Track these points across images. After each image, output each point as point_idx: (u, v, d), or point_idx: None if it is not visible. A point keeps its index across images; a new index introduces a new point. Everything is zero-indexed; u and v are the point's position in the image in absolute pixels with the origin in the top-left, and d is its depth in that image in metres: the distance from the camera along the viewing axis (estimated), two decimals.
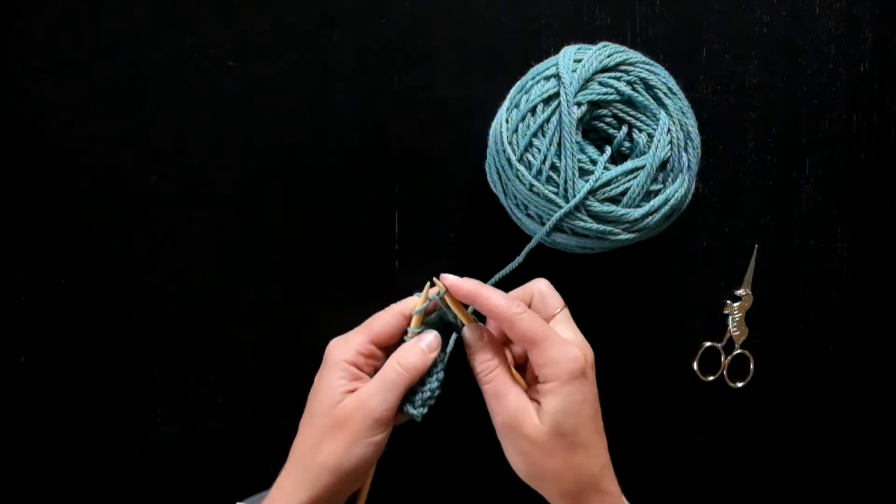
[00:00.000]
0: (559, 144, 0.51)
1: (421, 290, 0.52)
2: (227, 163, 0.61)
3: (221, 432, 0.62)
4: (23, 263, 0.61)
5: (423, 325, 0.52)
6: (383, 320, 0.52)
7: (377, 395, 0.48)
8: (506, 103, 0.54)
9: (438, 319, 0.52)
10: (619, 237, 0.52)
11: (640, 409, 0.63)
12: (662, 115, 0.52)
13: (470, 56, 0.61)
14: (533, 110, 0.52)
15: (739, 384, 0.65)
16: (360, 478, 0.49)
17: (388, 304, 0.54)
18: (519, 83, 0.55)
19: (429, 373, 0.50)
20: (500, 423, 0.48)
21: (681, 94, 0.53)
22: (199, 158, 0.61)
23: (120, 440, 0.62)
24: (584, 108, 0.52)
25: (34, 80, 0.60)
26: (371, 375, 0.50)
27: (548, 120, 0.51)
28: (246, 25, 0.60)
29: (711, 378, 0.65)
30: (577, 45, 0.54)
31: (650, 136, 0.52)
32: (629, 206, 0.52)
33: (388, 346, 0.52)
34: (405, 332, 0.52)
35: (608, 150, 0.53)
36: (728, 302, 0.64)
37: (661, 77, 0.53)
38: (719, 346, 0.64)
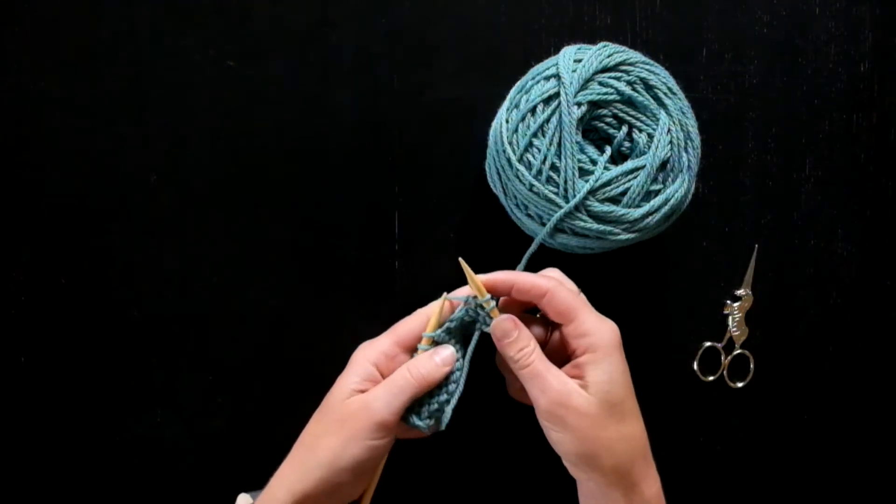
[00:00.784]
0: (559, 144, 0.51)
1: (438, 292, 0.52)
2: (227, 163, 0.61)
3: (221, 432, 0.62)
4: (23, 263, 0.61)
5: (445, 332, 0.51)
6: (409, 324, 0.52)
7: (382, 398, 0.48)
8: (506, 103, 0.54)
9: (460, 326, 0.51)
10: (619, 237, 0.52)
11: (641, 409, 0.63)
12: (662, 115, 0.52)
13: (470, 56, 0.61)
14: (533, 110, 0.52)
15: (739, 384, 0.65)
16: (356, 479, 0.48)
17: (388, 305, 0.55)
18: (519, 83, 0.55)
19: (439, 385, 0.50)
20: (546, 402, 0.47)
21: (681, 94, 0.53)
22: (199, 158, 0.61)
23: (120, 440, 0.62)
24: (584, 108, 0.52)
25: (34, 80, 0.60)
26: None
27: (548, 120, 0.51)
28: (246, 25, 0.60)
29: (711, 378, 0.65)
30: (577, 45, 0.54)
31: (650, 136, 0.52)
32: (629, 206, 0.52)
33: (414, 352, 0.52)
34: (420, 340, 0.51)
35: (608, 150, 0.53)
36: (728, 302, 0.64)
37: (661, 77, 0.53)
38: (719, 346, 0.64)
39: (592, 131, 0.54)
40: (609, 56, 0.52)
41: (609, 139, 0.54)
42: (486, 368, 0.55)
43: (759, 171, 0.64)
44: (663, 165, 0.52)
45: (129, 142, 0.60)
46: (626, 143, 0.53)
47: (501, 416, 0.62)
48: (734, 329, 0.64)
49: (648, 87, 0.53)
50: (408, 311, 0.53)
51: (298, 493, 0.47)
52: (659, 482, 0.49)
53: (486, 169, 0.57)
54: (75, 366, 0.61)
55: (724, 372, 0.65)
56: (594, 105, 0.52)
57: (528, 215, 0.54)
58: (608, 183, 0.52)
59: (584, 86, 0.52)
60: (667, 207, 0.52)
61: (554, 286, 0.49)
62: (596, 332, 0.47)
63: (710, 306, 0.64)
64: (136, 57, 0.60)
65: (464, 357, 0.52)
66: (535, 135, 0.52)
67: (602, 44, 0.54)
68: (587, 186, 0.51)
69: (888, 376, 0.66)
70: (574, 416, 0.46)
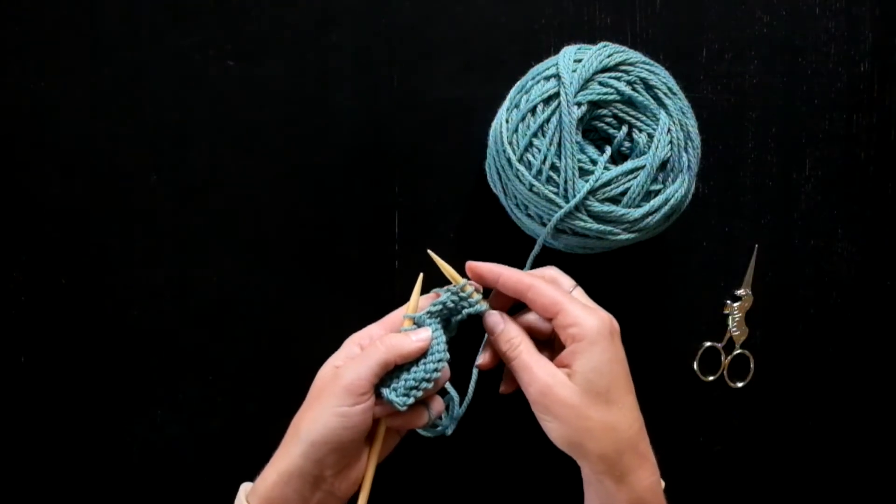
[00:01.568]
0: (559, 144, 0.51)
1: (429, 287, 0.53)
2: (227, 163, 0.61)
3: (221, 432, 0.62)
4: (23, 263, 0.61)
5: (426, 314, 0.52)
6: (398, 312, 0.54)
7: (351, 365, 0.48)
8: (506, 103, 0.54)
9: (443, 311, 0.52)
10: (619, 237, 0.52)
11: (641, 409, 0.63)
12: (662, 115, 0.52)
13: (470, 56, 0.61)
14: (533, 110, 0.52)
15: (739, 384, 0.65)
16: (338, 457, 0.48)
17: (388, 304, 0.55)
18: (519, 83, 0.55)
19: (415, 362, 0.50)
20: (533, 392, 0.48)
21: (681, 94, 0.53)
22: (199, 158, 0.61)
23: (120, 440, 0.62)
24: (584, 108, 0.52)
25: (34, 80, 0.60)
26: None
27: (548, 120, 0.51)
28: (246, 25, 0.60)
29: (711, 378, 0.65)
30: (577, 45, 0.54)
31: (650, 136, 0.52)
32: (629, 206, 0.52)
33: None
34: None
35: (608, 150, 0.53)
36: (728, 302, 0.64)
37: (661, 77, 0.53)
38: (719, 346, 0.64)
39: (592, 131, 0.54)
40: (609, 56, 0.52)
41: (609, 139, 0.54)
42: (490, 373, 0.55)
43: (759, 171, 0.64)
44: (663, 165, 0.52)
45: (129, 142, 0.60)
46: (626, 143, 0.53)
47: (502, 416, 0.62)
48: (734, 329, 0.64)
49: (648, 87, 0.53)
50: None
51: (284, 472, 0.47)
52: (655, 476, 0.49)
53: (486, 169, 0.57)
54: (75, 366, 0.61)
55: (724, 372, 0.65)
56: (594, 105, 0.52)
57: (529, 215, 0.54)
58: (608, 183, 0.52)
59: (584, 86, 0.52)
60: (667, 207, 0.52)
61: (536, 283, 0.50)
62: (581, 322, 0.48)
63: (710, 306, 0.64)
64: (136, 57, 0.60)
65: (445, 334, 0.52)
66: (535, 135, 0.52)
67: (602, 44, 0.54)
68: (587, 186, 0.51)
69: (888, 376, 0.66)
70: (558, 405, 0.47)
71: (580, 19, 0.62)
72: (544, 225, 0.53)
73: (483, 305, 0.53)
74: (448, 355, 0.52)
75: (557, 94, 0.52)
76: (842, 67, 0.64)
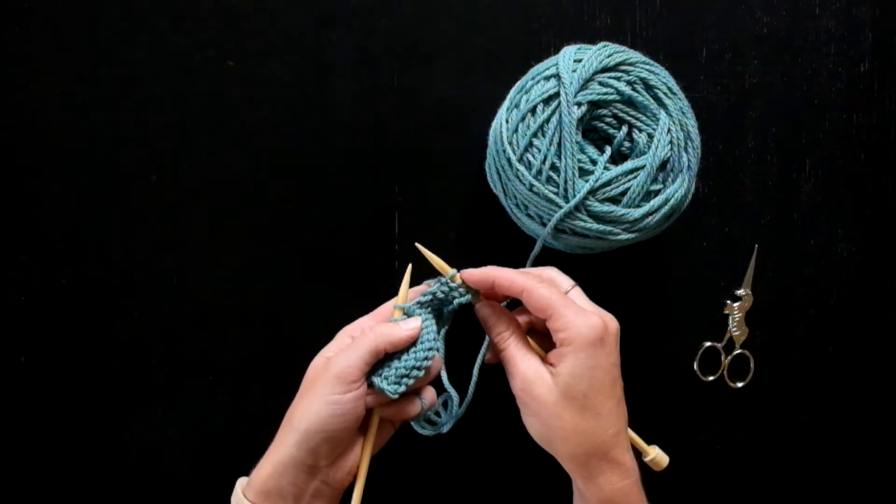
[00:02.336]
0: (559, 144, 0.51)
1: (421, 279, 0.53)
2: (227, 163, 0.61)
3: (221, 432, 0.62)
4: (23, 263, 0.61)
5: (416, 304, 0.52)
6: (389, 304, 0.54)
7: (342, 353, 0.49)
8: (506, 103, 0.54)
9: (433, 302, 0.53)
10: (619, 237, 0.52)
11: (640, 409, 0.63)
12: (662, 115, 0.52)
13: (470, 56, 0.61)
14: (533, 110, 0.52)
15: (739, 384, 0.65)
16: (330, 447, 0.48)
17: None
18: (519, 83, 0.55)
19: (405, 350, 0.50)
20: (515, 386, 0.50)
21: (681, 94, 0.53)
22: (199, 158, 0.61)
23: (120, 440, 0.62)
24: (584, 108, 0.52)
25: (34, 80, 0.60)
26: None
27: (548, 120, 0.51)
28: (246, 25, 0.60)
29: (711, 378, 0.65)
30: (577, 45, 0.54)
31: (650, 136, 0.52)
32: (629, 206, 0.52)
33: None
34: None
35: (608, 150, 0.53)
36: (728, 302, 0.64)
37: (661, 77, 0.53)
38: (719, 346, 0.64)
39: (592, 131, 0.54)
40: (609, 56, 0.52)
41: (609, 139, 0.54)
42: (489, 370, 0.55)
43: (759, 171, 0.64)
44: (663, 165, 0.52)
45: (129, 142, 0.60)
46: (626, 143, 0.53)
47: (500, 415, 0.62)
48: (734, 329, 0.64)
49: (648, 87, 0.53)
50: None
51: (278, 463, 0.48)
52: (629, 480, 0.49)
53: (486, 169, 0.57)
54: (75, 366, 0.61)
55: (724, 372, 0.65)
56: (594, 105, 0.52)
57: (529, 215, 0.54)
58: (608, 183, 0.52)
59: (584, 86, 0.52)
60: (667, 207, 0.52)
61: (531, 284, 0.50)
62: (571, 327, 0.48)
63: (710, 306, 0.64)
64: (136, 57, 0.60)
65: (438, 325, 0.53)
66: (535, 135, 0.52)
67: (602, 44, 0.54)
68: (587, 186, 0.51)
69: (888, 376, 0.66)
70: (535, 402, 0.48)
71: (580, 19, 0.62)
72: (544, 225, 0.53)
73: (473, 295, 0.53)
74: (440, 345, 0.52)
75: (557, 94, 0.52)
76: (842, 67, 0.64)
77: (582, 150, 0.52)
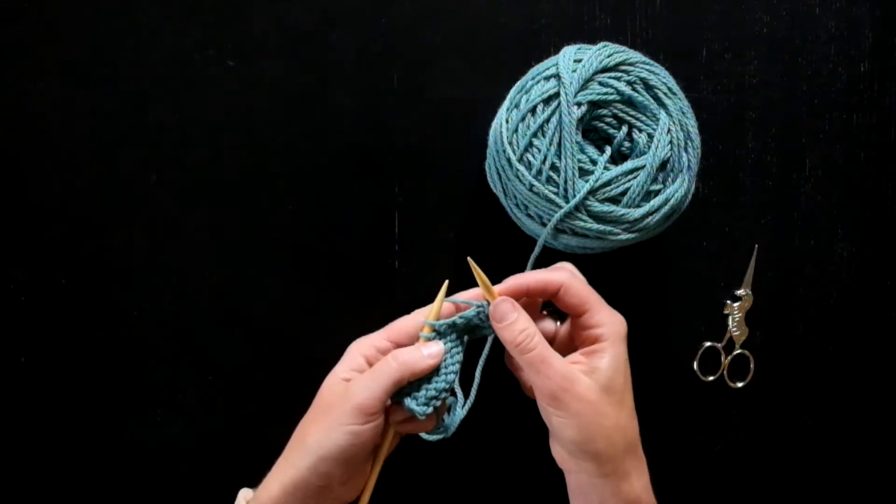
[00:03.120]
0: (559, 144, 0.51)
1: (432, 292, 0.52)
2: (227, 163, 0.61)
3: (221, 432, 0.62)
4: (23, 263, 0.61)
5: (450, 326, 0.50)
6: (404, 321, 0.52)
7: (363, 382, 0.48)
8: (506, 103, 0.54)
9: (466, 325, 0.51)
10: (619, 237, 0.52)
11: (640, 409, 0.63)
12: (662, 115, 0.52)
13: (470, 56, 0.61)
14: (533, 110, 0.52)
15: (739, 384, 0.65)
16: (345, 471, 0.48)
17: (388, 305, 0.55)
18: (519, 83, 0.55)
19: (436, 372, 0.49)
20: (550, 388, 0.47)
21: (681, 94, 0.53)
22: (199, 158, 0.61)
23: (120, 440, 0.62)
24: (584, 108, 0.52)
25: (34, 80, 0.60)
26: None
27: (548, 120, 0.51)
28: (246, 25, 0.60)
29: (711, 378, 0.65)
30: (577, 45, 0.54)
31: (650, 136, 0.52)
32: (629, 206, 0.52)
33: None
34: (413, 339, 0.51)
35: (608, 150, 0.53)
36: (728, 302, 0.64)
37: (661, 77, 0.53)
38: (719, 346, 0.64)
39: (592, 131, 0.54)
40: (609, 56, 0.52)
41: (609, 139, 0.54)
42: (492, 374, 0.55)
43: (759, 171, 0.64)
44: (663, 165, 0.52)
45: (129, 142, 0.60)
46: (626, 143, 0.53)
47: (506, 420, 0.62)
48: (734, 329, 0.64)
49: (648, 87, 0.53)
50: (407, 310, 0.53)
51: (289, 484, 0.47)
52: (647, 477, 0.49)
53: (486, 169, 0.57)
54: (75, 366, 0.61)
55: (724, 372, 0.65)
56: (594, 105, 0.52)
57: (529, 215, 0.54)
58: (608, 183, 0.52)
59: (584, 86, 0.52)
60: (667, 207, 0.52)
61: (567, 278, 0.49)
62: (607, 323, 0.48)
63: (710, 306, 0.64)
64: (136, 57, 0.60)
65: (461, 349, 0.51)
66: (535, 135, 0.52)
67: (602, 44, 0.54)
68: (587, 186, 0.51)
69: (888, 376, 0.66)
70: (577, 400, 0.46)
71: (580, 19, 0.62)
72: (544, 225, 0.53)
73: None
74: (478, 377, 0.52)
75: (557, 94, 0.52)
76: (842, 67, 0.64)
77: (582, 150, 0.52)
